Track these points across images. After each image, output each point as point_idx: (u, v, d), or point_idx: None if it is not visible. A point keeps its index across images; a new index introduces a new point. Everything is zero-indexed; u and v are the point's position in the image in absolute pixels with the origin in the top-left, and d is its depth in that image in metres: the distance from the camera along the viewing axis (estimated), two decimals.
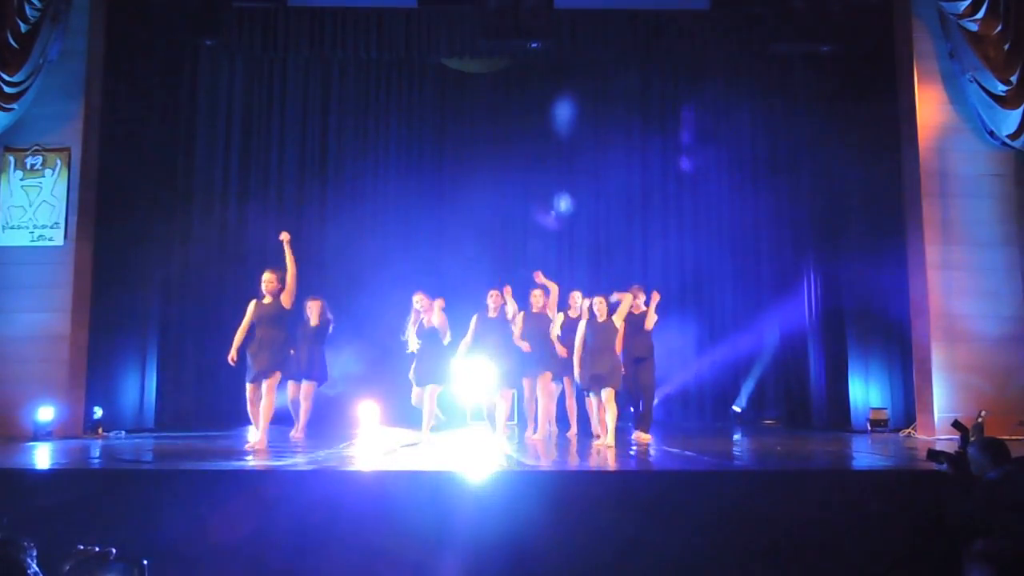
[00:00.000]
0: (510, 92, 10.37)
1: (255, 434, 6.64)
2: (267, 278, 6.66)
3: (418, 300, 7.39)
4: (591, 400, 7.34)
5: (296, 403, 7.80)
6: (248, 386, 6.58)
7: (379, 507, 4.68)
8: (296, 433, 7.69)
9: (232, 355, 6.70)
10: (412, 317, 7.44)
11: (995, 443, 4.09)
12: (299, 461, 5.79)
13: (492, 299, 7.49)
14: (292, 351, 7.16)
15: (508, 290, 7.50)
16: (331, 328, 7.89)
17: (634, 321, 7.27)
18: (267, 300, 6.65)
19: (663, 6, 9.39)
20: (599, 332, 7.03)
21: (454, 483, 4.85)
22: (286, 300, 6.62)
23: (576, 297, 7.82)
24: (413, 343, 7.43)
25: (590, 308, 7.12)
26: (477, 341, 7.52)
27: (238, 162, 10.10)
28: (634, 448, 6.83)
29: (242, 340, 6.70)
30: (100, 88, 8.26)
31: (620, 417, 7.35)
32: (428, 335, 7.37)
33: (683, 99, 10.47)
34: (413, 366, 7.50)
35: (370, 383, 9.11)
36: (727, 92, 10.34)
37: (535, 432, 7.48)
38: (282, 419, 8.18)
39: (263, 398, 6.53)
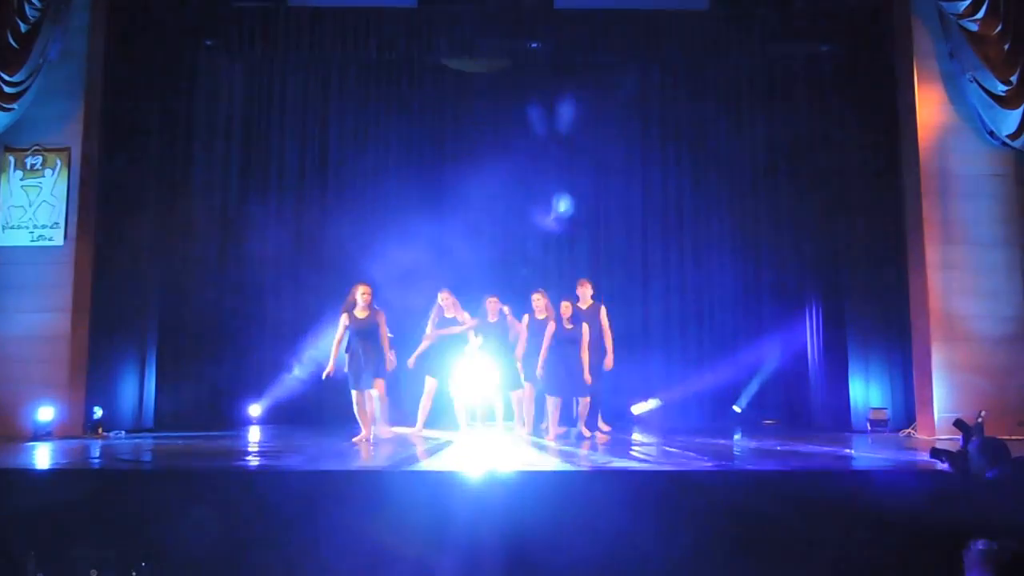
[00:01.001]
0: (510, 92, 10.35)
1: (376, 431, 7.23)
2: (364, 291, 7.13)
3: (443, 297, 7.75)
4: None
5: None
6: (354, 392, 7.07)
7: (380, 507, 4.68)
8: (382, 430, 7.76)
9: (330, 369, 7.11)
10: (434, 312, 7.60)
11: (995, 443, 4.09)
12: (303, 460, 5.79)
13: (490, 304, 7.57)
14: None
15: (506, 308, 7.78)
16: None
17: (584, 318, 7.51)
18: (363, 313, 7.07)
19: (663, 6, 9.37)
20: (564, 338, 7.21)
21: (455, 483, 4.85)
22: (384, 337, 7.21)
23: (567, 307, 7.86)
24: (431, 335, 7.76)
25: (557, 313, 7.28)
26: (481, 345, 7.63)
27: (238, 162, 10.08)
28: (637, 448, 6.84)
29: (338, 353, 7.11)
30: (100, 88, 8.26)
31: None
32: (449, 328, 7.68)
33: (683, 99, 10.44)
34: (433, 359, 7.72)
35: None
36: (727, 92, 10.33)
37: (544, 434, 7.52)
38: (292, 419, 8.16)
39: (376, 401, 7.15)
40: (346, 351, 7.11)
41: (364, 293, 7.13)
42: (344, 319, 7.12)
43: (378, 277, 9.60)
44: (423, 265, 9.67)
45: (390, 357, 7.27)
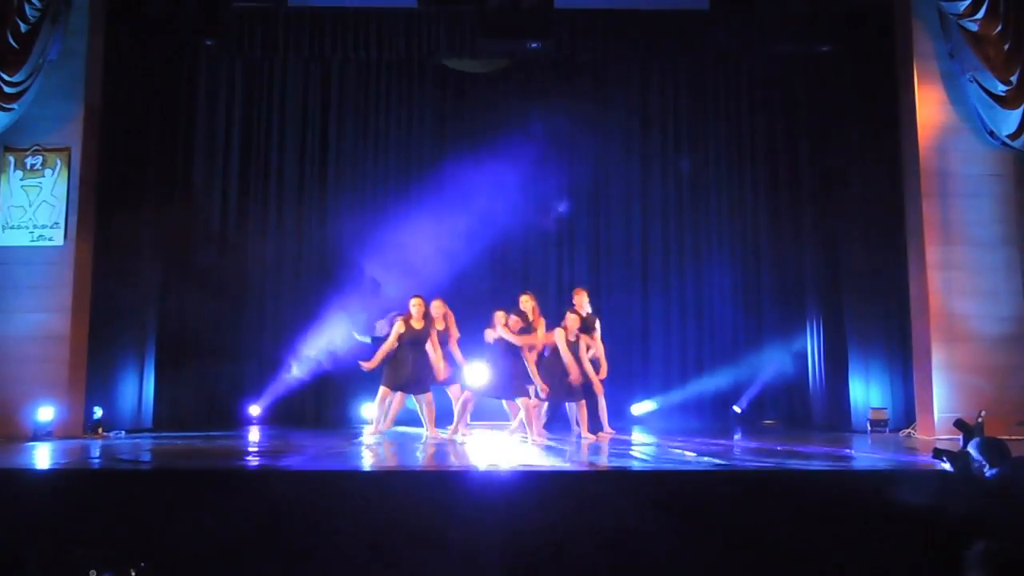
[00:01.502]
0: (510, 92, 10.35)
1: (371, 431, 7.47)
2: (417, 302, 7.53)
3: (436, 307, 7.81)
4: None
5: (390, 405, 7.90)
6: (384, 389, 7.40)
7: (379, 507, 4.68)
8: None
9: (373, 365, 7.42)
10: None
11: (995, 442, 4.09)
12: (303, 460, 5.80)
13: (514, 322, 7.56)
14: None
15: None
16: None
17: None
18: (419, 324, 7.44)
19: (663, 6, 9.37)
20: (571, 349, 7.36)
21: (455, 483, 4.85)
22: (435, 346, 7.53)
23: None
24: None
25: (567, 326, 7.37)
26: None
27: (238, 162, 10.08)
28: (637, 448, 6.84)
29: (384, 356, 7.45)
30: (100, 88, 8.26)
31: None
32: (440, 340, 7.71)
33: (683, 99, 10.45)
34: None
35: (368, 383, 9.12)
36: (727, 92, 10.34)
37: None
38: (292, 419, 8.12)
39: (426, 406, 7.53)
40: (392, 355, 7.43)
41: (416, 304, 7.52)
42: (399, 326, 7.42)
43: (377, 277, 9.64)
44: (422, 265, 9.69)
45: (440, 366, 7.55)
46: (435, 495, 4.75)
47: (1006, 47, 7.35)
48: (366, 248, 9.99)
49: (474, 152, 10.25)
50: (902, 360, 8.63)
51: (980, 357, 7.75)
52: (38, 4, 7.32)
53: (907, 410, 8.49)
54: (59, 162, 7.92)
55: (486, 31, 9.02)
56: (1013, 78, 7.32)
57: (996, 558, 3.17)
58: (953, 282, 7.89)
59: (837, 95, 9.34)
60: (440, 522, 4.58)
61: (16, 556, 2.91)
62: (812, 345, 9.61)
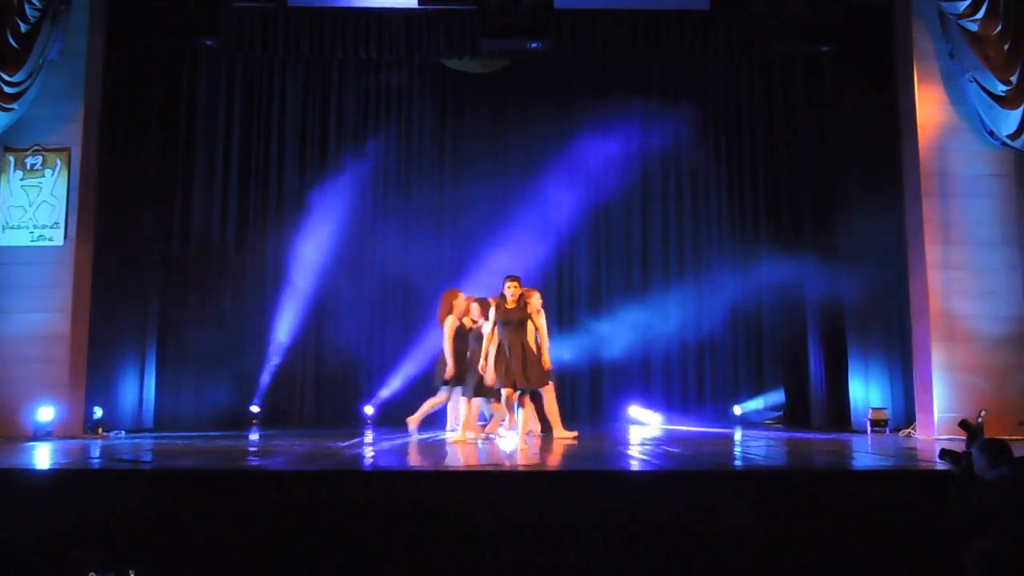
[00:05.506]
0: (510, 92, 10.36)
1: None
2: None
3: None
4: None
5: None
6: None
7: (371, 506, 4.68)
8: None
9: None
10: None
11: (996, 443, 4.08)
12: (302, 461, 5.80)
13: (511, 289, 7.12)
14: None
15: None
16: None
17: None
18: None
19: (663, 6, 9.38)
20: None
21: (452, 482, 4.85)
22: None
23: None
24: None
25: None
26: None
27: (238, 162, 10.09)
28: (636, 448, 6.84)
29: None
30: (100, 88, 8.27)
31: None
32: None
33: (683, 99, 10.46)
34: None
35: (367, 383, 9.14)
36: (727, 92, 10.35)
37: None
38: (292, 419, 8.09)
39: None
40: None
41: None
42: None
43: (376, 276, 9.65)
44: (421, 264, 9.70)
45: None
46: (431, 494, 4.75)
47: (1006, 47, 7.35)
48: (365, 247, 10.00)
49: (473, 151, 10.27)
50: (902, 360, 8.63)
51: (980, 357, 7.75)
52: (38, 4, 7.32)
53: (907, 410, 8.48)
54: (59, 162, 7.92)
55: (486, 31, 9.02)
56: (1013, 78, 7.32)
57: (996, 558, 3.17)
58: (953, 282, 7.89)
59: (837, 95, 9.35)
60: (436, 521, 4.58)
61: (16, 556, 2.91)
62: (812, 345, 9.61)
